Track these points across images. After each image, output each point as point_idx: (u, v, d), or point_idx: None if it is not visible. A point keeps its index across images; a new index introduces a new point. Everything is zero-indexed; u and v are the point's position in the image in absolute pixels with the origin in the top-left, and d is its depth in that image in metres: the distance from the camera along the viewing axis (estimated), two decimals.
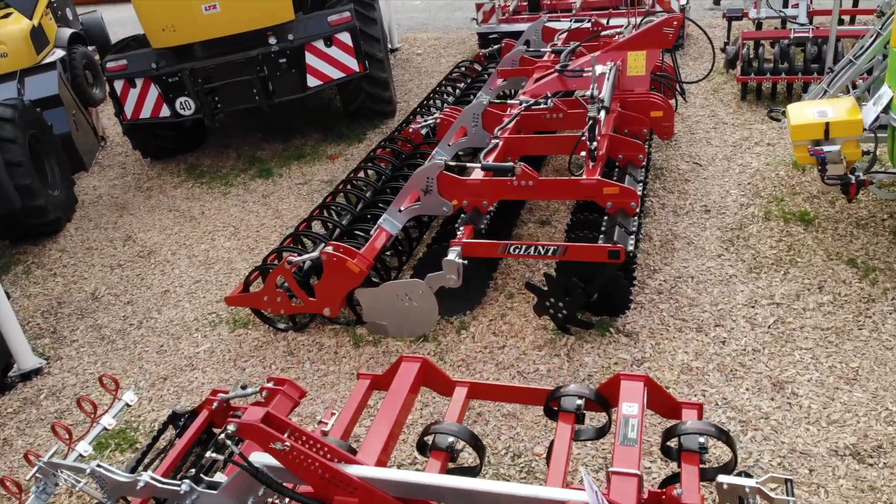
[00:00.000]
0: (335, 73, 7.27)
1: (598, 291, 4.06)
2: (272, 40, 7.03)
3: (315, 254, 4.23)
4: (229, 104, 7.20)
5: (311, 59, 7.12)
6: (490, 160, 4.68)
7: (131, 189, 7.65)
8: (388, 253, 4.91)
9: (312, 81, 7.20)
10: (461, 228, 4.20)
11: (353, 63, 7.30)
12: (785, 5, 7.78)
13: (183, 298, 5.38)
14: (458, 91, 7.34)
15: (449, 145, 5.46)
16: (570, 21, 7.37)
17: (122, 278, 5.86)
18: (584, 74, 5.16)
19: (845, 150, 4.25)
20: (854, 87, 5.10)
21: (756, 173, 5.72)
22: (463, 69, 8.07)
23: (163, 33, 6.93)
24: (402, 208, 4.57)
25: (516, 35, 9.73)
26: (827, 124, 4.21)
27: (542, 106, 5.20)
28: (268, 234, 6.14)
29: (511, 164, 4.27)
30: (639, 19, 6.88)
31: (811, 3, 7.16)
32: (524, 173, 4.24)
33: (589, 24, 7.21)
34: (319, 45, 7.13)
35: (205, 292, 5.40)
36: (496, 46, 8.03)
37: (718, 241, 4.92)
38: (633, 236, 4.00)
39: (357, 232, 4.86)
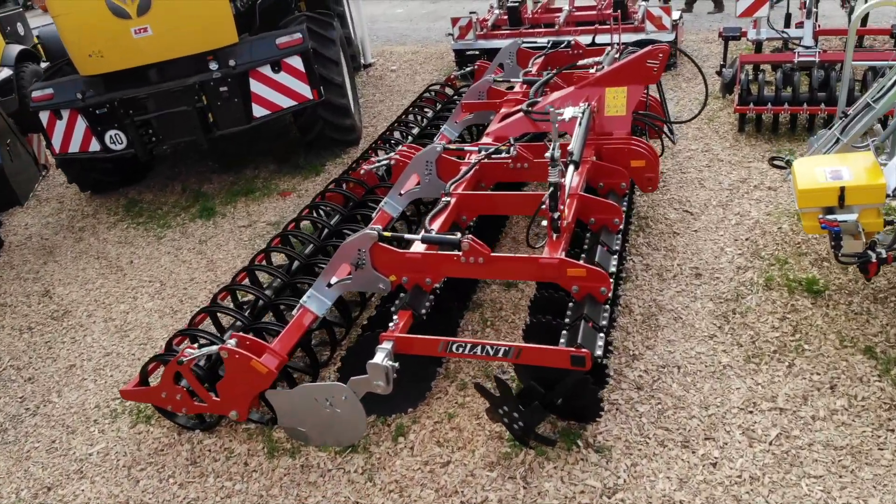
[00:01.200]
0: (285, 102, 6.50)
1: (563, 397, 3.30)
2: (213, 66, 6.26)
3: (214, 348, 3.47)
4: (165, 138, 6.43)
5: (256, 86, 6.36)
6: (438, 223, 3.92)
7: (63, 229, 6.89)
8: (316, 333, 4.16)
9: (259, 111, 6.43)
10: (395, 316, 3.44)
11: (305, 90, 6.54)
12: (787, 24, 7.01)
13: (88, 377, 4.61)
14: (424, 121, 6.57)
15: (400, 194, 4.71)
16: (548, 43, 6.58)
17: (30, 346, 5.10)
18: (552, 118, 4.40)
19: (864, 221, 3.49)
20: (868, 132, 4.34)
21: (756, 226, 4.96)
22: (433, 93, 7.30)
23: (90, 60, 6.16)
24: (331, 282, 3.81)
25: (494, 53, 9.01)
26: (842, 189, 3.45)
27: (503, 154, 4.43)
28: (196, 291, 5.37)
29: (456, 237, 3.50)
30: (620, 38, 6.13)
31: (818, 22, 6.38)
32: (472, 248, 3.48)
33: (569, 46, 6.43)
34: (266, 70, 6.36)
35: (113, 369, 4.64)
36: (469, 68, 7.27)
37: (711, 316, 4.16)
38: (602, 334, 3.23)
39: (283, 306, 4.11)
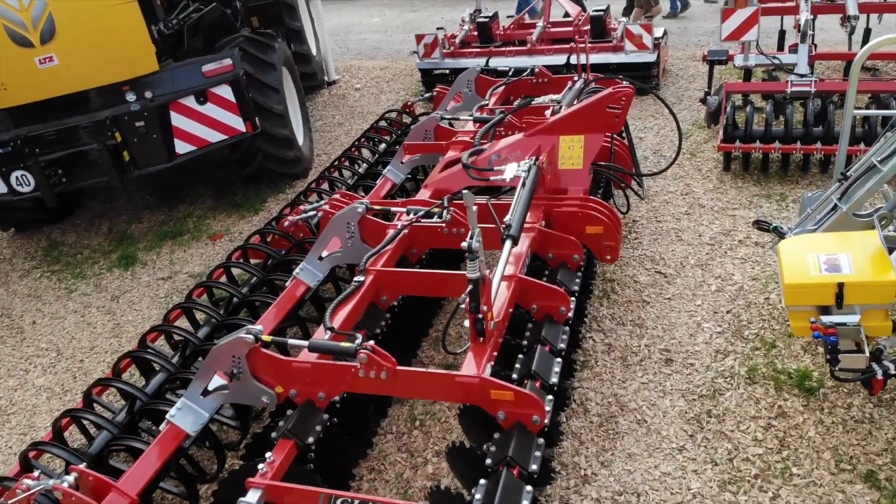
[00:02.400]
0: (213, 136, 5.78)
1: None
2: (130, 97, 5.52)
3: (49, 483, 2.74)
4: (75, 179, 5.70)
5: (178, 119, 5.62)
6: (343, 314, 3.19)
7: None
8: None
9: (182, 147, 5.70)
10: (270, 454, 2.70)
11: (236, 122, 5.82)
12: (781, 46, 6.27)
13: None
14: (375, 154, 5.85)
15: (320, 258, 4.00)
16: (510, 70, 5.85)
17: None
18: (492, 178, 3.68)
19: (867, 323, 2.77)
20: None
21: (739, 294, 4.23)
22: (388, 122, 6.56)
23: None
24: (207, 388, 3.09)
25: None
26: (840, 285, 2.73)
27: (435, 219, 3.71)
28: (94, 364, 4.65)
29: (352, 345, 2.77)
30: (586, 60, 5.39)
31: (814, 46, 5.64)
32: (371, 360, 2.75)
33: (533, 74, 5.70)
34: (189, 102, 5.63)
35: None
36: (428, 94, 6.53)
37: (681, 419, 3.43)
38: (531, 487, 2.49)
39: (162, 409, 3.38)
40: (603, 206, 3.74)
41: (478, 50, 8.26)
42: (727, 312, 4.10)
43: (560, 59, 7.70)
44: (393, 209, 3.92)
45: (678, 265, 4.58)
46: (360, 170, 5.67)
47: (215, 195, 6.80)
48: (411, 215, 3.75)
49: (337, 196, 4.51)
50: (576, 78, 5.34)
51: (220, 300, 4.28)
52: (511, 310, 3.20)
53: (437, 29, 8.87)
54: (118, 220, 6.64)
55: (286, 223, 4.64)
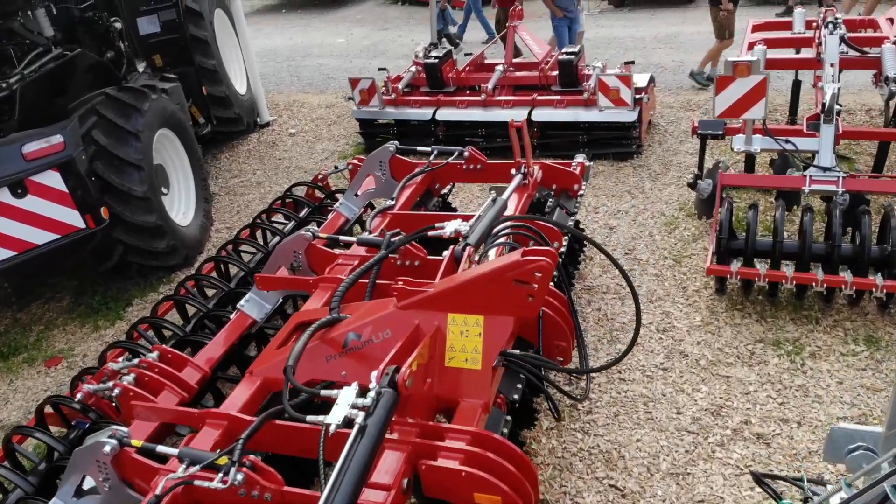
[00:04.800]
0: (39, 237, 4.38)
1: None
2: None
3: None
4: None
5: None
6: None
7: None
8: None
9: None
10: None
11: (71, 217, 4.44)
12: (794, 109, 4.80)
13: None
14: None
15: None
16: (432, 150, 4.40)
17: None
18: (323, 393, 2.25)
19: None
20: None
21: None
22: (294, 200, 5.12)
23: None
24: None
25: (409, 125, 6.88)
26: None
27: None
28: None
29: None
30: (513, 122, 3.88)
31: (839, 125, 4.13)
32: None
33: (462, 157, 4.25)
34: (3, 196, 4.23)
35: None
36: (343, 166, 5.08)
37: None
38: None
39: None
40: (507, 452, 2.28)
41: (425, 98, 6.81)
42: None
43: (522, 113, 6.27)
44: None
45: (644, 473, 3.12)
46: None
47: (77, 290, 5.39)
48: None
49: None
50: (514, 173, 3.92)
51: None
52: None
53: (379, 70, 7.45)
54: None
55: (78, 395, 3.21)
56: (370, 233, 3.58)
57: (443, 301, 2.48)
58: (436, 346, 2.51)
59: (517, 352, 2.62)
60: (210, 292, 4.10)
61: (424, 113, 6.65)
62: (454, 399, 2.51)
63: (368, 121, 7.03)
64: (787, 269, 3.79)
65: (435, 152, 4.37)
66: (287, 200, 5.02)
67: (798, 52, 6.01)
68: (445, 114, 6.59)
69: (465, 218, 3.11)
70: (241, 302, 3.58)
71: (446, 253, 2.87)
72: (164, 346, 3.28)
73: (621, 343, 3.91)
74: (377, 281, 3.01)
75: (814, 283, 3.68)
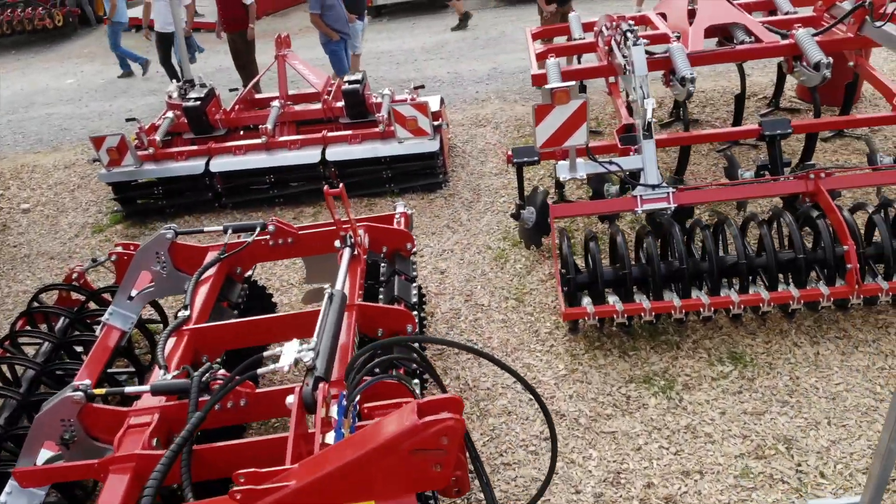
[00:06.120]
0: None
1: None
2: None
3: None
4: None
5: None
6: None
7: None
8: None
9: None
10: None
11: None
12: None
13: None
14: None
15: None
16: (224, 228, 3.55)
17: None
18: None
19: None
20: None
21: None
22: (50, 308, 3.92)
23: None
24: None
25: (177, 181, 5.84)
26: None
27: None
28: None
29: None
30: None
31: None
32: None
33: (266, 229, 3.47)
34: None
35: None
36: (104, 258, 4.00)
37: None
38: None
39: None
40: None
41: (192, 148, 5.80)
42: None
43: (314, 153, 5.57)
44: None
45: None
46: None
47: None
48: None
49: None
50: (340, 245, 3.24)
51: None
52: None
53: (128, 121, 6.28)
54: None
55: None
56: (164, 365, 2.67)
57: (313, 496, 1.75)
58: None
59: None
60: None
61: (195, 165, 5.65)
62: None
63: (125, 184, 5.83)
64: (641, 297, 3.58)
65: (229, 231, 3.53)
66: (34, 313, 3.84)
67: (580, 59, 6.03)
68: (221, 163, 5.65)
69: (303, 330, 2.39)
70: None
71: (290, 399, 2.12)
72: None
73: (492, 416, 3.42)
74: (194, 447, 2.18)
75: (673, 311, 3.49)
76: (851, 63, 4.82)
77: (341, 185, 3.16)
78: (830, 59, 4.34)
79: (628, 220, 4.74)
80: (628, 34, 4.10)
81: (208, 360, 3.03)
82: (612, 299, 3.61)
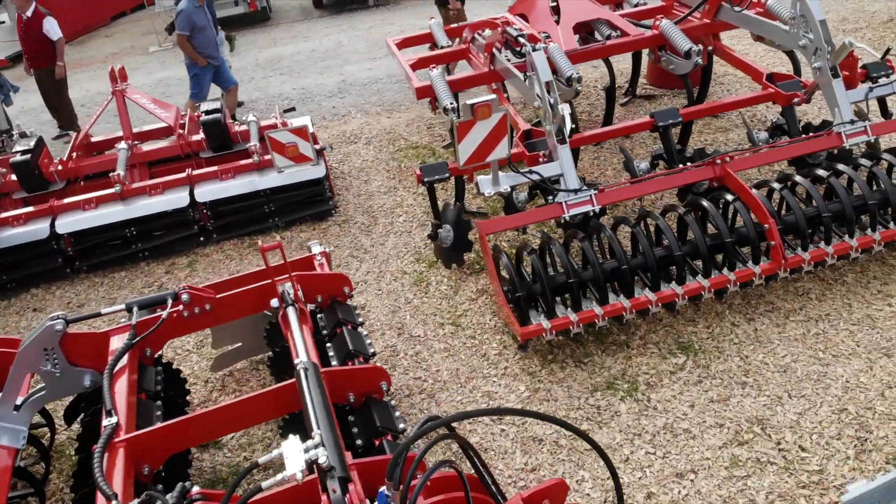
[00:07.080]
0: None
1: None
2: None
3: None
4: None
5: None
6: None
7: None
8: None
9: None
10: None
11: None
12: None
13: None
14: None
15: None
16: (130, 309, 2.99)
17: None
18: None
19: None
20: None
21: None
22: None
23: None
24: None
25: (15, 251, 5.00)
26: None
27: None
28: None
29: None
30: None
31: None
32: None
33: (182, 301, 2.97)
34: None
35: None
36: None
37: None
38: None
39: None
40: None
41: (29, 210, 4.92)
42: None
43: (181, 196, 4.95)
44: None
45: None
46: None
47: None
48: None
49: None
50: (277, 305, 2.84)
51: None
52: None
53: None
54: None
55: None
56: (112, 494, 2.15)
57: None
58: None
59: None
60: None
61: (37, 230, 4.81)
62: None
63: None
64: (588, 304, 3.53)
65: (135, 309, 2.97)
66: None
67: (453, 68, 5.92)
68: (70, 222, 4.85)
69: (258, 416, 2.01)
70: None
71: None
72: None
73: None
74: None
75: (624, 313, 3.47)
76: (710, 48, 5.15)
77: (278, 240, 2.76)
78: (700, 47, 4.59)
79: (531, 229, 4.69)
80: (520, 39, 4.03)
81: (150, 470, 2.53)
82: (562, 310, 3.53)
